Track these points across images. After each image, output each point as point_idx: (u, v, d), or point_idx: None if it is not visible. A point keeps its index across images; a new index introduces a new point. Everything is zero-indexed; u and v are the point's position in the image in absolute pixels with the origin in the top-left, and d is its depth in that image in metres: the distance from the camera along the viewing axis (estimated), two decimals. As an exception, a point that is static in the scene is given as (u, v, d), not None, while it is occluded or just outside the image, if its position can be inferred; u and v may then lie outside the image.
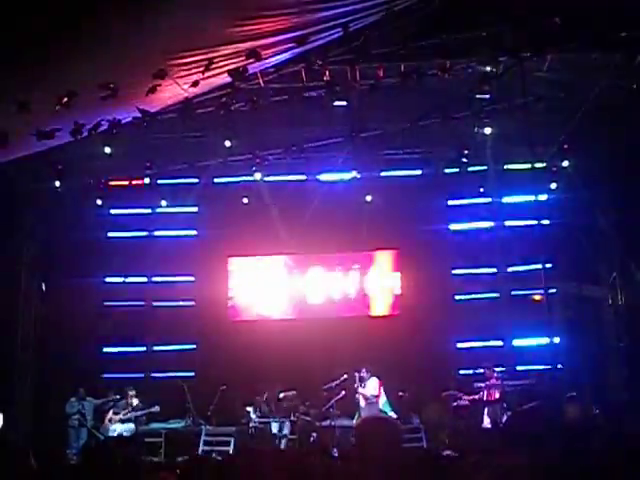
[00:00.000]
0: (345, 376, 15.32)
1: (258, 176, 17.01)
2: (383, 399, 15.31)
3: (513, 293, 18.12)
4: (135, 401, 16.15)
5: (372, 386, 15.27)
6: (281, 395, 16.01)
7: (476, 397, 15.41)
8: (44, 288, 18.00)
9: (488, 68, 12.55)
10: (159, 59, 9.41)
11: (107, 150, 14.53)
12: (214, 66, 10.15)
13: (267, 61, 10.96)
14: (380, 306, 18.68)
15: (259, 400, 16.16)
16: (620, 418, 13.39)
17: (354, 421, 15.09)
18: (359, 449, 4.86)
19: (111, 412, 15.93)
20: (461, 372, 17.57)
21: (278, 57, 11.02)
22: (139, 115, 11.53)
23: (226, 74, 10.57)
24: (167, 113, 12.82)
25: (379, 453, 4.54)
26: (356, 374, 15.32)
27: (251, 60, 10.26)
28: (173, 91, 10.63)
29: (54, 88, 9.18)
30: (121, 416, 15.84)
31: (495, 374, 15.60)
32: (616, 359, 16.34)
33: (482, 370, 15.93)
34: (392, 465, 4.46)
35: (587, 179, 16.29)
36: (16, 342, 17.37)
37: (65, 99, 9.37)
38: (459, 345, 18.14)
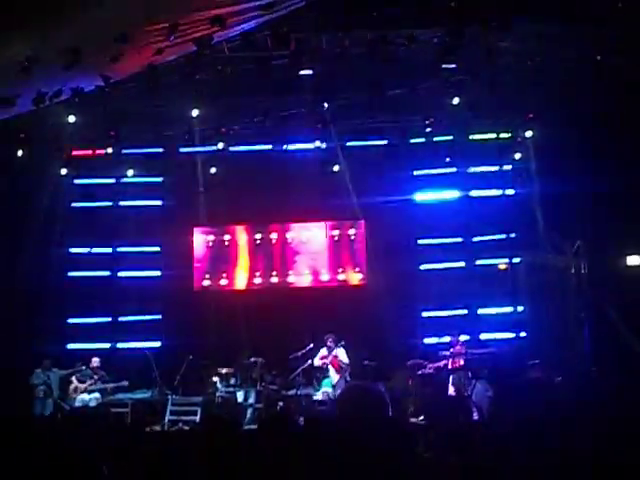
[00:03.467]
0: (311, 345, 15.40)
1: (221, 145, 16.96)
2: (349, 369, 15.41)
3: (478, 262, 18.21)
4: (100, 371, 16.08)
5: (343, 355, 15.35)
6: (251, 359, 15.99)
7: (440, 365, 15.53)
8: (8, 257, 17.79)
9: (454, 38, 12.50)
10: (123, 26, 9.28)
11: (71, 119, 14.35)
12: (179, 34, 10.06)
13: (232, 29, 10.88)
14: (346, 276, 18.71)
15: (225, 370, 16.15)
16: (582, 386, 13.61)
17: (323, 389, 15.17)
18: (342, 415, 4.87)
19: (76, 381, 15.84)
20: (426, 341, 17.68)
21: (243, 25, 10.95)
22: (102, 83, 11.42)
23: (191, 42, 10.49)
24: (132, 82, 12.71)
25: (366, 420, 4.55)
26: (329, 343, 15.38)
27: (216, 28, 10.19)
28: (137, 59, 10.52)
29: (15, 53, 9.03)
30: (86, 385, 15.77)
31: (460, 342, 15.73)
32: (579, 328, 16.53)
33: (448, 338, 16.04)
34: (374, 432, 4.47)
35: (551, 149, 16.38)
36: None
37: (26, 65, 9.23)
38: (424, 314, 18.22)
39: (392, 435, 4.86)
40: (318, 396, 15.13)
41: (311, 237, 18.88)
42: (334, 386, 15.12)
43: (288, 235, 18.90)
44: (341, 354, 15.37)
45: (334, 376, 15.28)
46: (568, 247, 16.95)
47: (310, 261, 18.77)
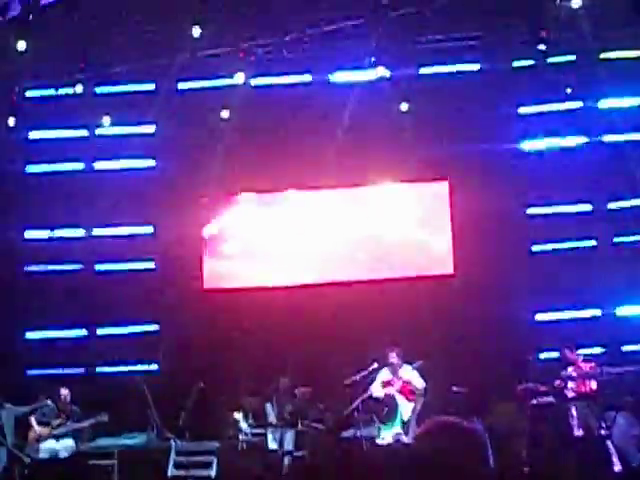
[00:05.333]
0: (375, 365, 15.37)
1: (241, 78, 16.91)
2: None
3: (616, 240, 18.06)
4: (71, 407, 16.23)
5: (416, 376, 15.29)
6: (296, 391, 16.06)
7: (559, 388, 15.42)
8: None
9: None
10: None
11: (21, 46, 14.41)
12: None
13: None
14: (423, 263, 18.69)
15: (250, 403, 16.25)
16: None
17: (391, 429, 15.15)
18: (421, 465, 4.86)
19: (35, 423, 15.98)
20: (542, 356, 17.58)
21: None
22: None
23: None
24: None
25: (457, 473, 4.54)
26: (391, 360, 15.33)
27: None
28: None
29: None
30: (52, 428, 15.92)
31: (580, 357, 15.61)
32: None
33: (561, 353, 15.97)
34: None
35: None
36: None
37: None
38: (538, 317, 18.19)
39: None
40: (384, 439, 15.10)
41: (371, 209, 18.86)
42: (405, 423, 15.08)
43: (335, 207, 18.89)
44: (413, 376, 15.31)
45: (405, 409, 15.22)
46: None
47: (369, 243, 18.75)
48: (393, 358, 15.22)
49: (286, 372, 16.36)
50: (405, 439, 14.65)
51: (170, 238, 18.81)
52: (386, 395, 15.18)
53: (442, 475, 4.60)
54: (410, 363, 15.24)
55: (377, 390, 15.16)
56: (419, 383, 15.12)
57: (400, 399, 15.16)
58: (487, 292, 17.33)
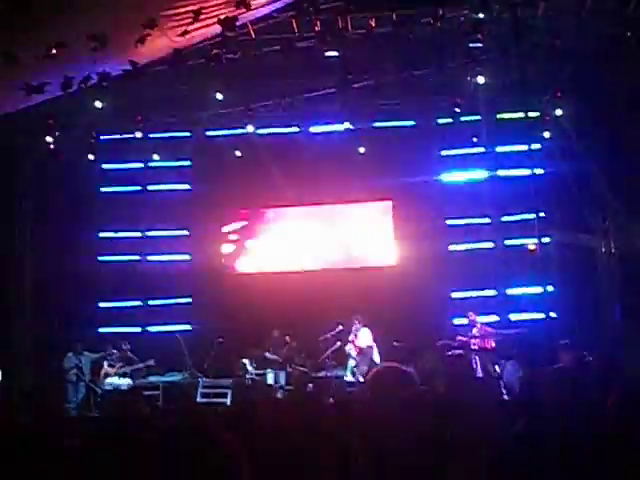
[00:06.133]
0: (340, 327, 15.41)
1: (250, 128, 16.92)
2: (375, 350, 15.39)
3: (507, 243, 18.10)
4: (130, 355, 16.20)
5: (365, 336, 15.32)
6: (286, 338, 16.05)
7: (468, 342, 15.43)
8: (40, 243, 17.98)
9: (481, 15, 12.36)
10: (149, 9, 9.28)
11: (98, 104, 14.37)
12: (204, 16, 10.04)
13: (257, 10, 10.83)
14: (375, 257, 18.70)
15: (254, 352, 16.23)
16: (614, 365, 13.47)
17: (347, 372, 15.17)
18: (372, 396, 4.81)
19: (106, 365, 15.97)
20: (456, 322, 17.59)
21: (268, 7, 10.90)
22: (129, 67, 11.41)
23: (216, 24, 10.46)
24: (158, 65, 12.71)
25: (395, 403, 4.50)
26: (354, 325, 15.36)
27: (241, 10, 10.15)
28: (163, 42, 10.52)
29: (41, 39, 9.05)
30: (117, 369, 15.90)
31: (479, 324, 15.63)
32: (610, 307, 16.40)
33: (465, 320, 16.02)
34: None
35: (580, 127, 16.21)
36: (13, 297, 17.42)
37: (53, 51, 9.25)
38: (453, 295, 18.17)
39: (425, 414, 4.81)
40: (348, 377, 15.14)
41: (339, 219, 18.86)
42: (354, 368, 15.12)
43: (315, 218, 18.89)
44: (364, 336, 15.33)
45: (354, 358, 15.26)
46: (598, 226, 16.79)
47: (339, 243, 18.76)
48: (356, 322, 15.33)
49: (279, 330, 16.39)
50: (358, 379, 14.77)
51: (200, 238, 18.85)
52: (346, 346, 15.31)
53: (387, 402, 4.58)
54: (366, 326, 15.34)
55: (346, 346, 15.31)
56: (366, 341, 15.21)
57: (352, 351, 15.24)
58: (418, 278, 17.28)
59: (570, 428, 4.58)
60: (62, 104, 12.94)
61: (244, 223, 19.14)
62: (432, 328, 16.74)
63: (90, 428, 5.51)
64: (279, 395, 15.35)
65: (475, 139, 17.53)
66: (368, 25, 12.73)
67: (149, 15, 9.35)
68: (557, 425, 4.67)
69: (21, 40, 8.74)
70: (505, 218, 18.11)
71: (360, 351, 15.27)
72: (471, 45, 13.84)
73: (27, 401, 11.91)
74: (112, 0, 8.68)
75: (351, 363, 15.26)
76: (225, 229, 19.07)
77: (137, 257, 19.13)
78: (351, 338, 15.40)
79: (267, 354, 16.12)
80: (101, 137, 17.25)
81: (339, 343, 15.33)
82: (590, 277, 16.82)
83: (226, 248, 19.05)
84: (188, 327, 18.23)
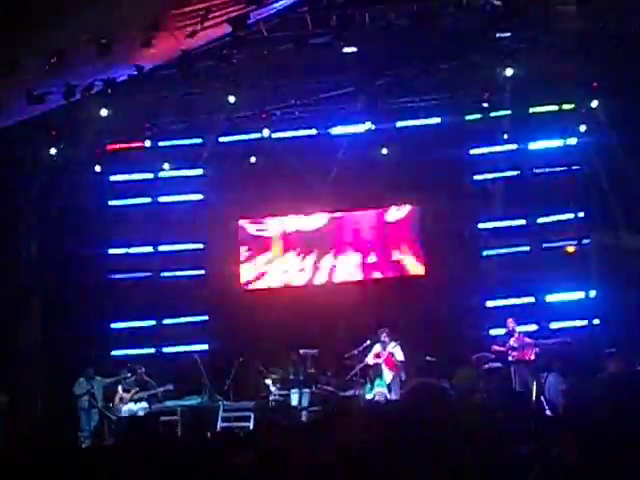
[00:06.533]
0: (368, 342, 15.32)
1: (266, 133, 16.91)
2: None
3: (544, 246, 17.91)
4: (146, 378, 16.18)
5: (398, 351, 15.22)
6: (301, 351, 15.96)
7: (505, 353, 15.31)
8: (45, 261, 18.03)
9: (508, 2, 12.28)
10: (154, 9, 9.30)
11: (103, 112, 14.40)
12: (213, 15, 10.05)
13: (269, 7, 10.84)
14: (402, 267, 18.60)
15: (277, 372, 16.18)
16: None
17: (376, 389, 15.05)
18: (405, 415, 4.81)
19: (121, 390, 15.96)
20: (492, 332, 17.45)
21: (281, 2, 10.90)
22: (135, 72, 11.46)
23: (226, 23, 10.47)
24: (165, 69, 12.75)
25: (430, 419, 4.49)
26: (382, 339, 15.26)
27: (252, 6, 10.15)
28: (170, 44, 10.54)
29: (41, 46, 9.09)
30: (132, 395, 15.89)
31: (518, 333, 15.50)
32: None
33: (503, 331, 15.91)
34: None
35: (619, 119, 16.06)
36: (22, 321, 17.48)
37: (54, 58, 9.28)
38: (488, 304, 18.01)
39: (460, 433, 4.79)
40: (370, 396, 15.04)
41: (363, 226, 18.79)
42: (388, 386, 15.02)
43: (338, 225, 18.84)
44: (396, 351, 15.24)
45: (388, 375, 15.16)
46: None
47: (363, 252, 18.68)
48: (384, 337, 15.23)
49: (301, 347, 16.31)
50: (389, 396, 14.65)
51: (216, 251, 18.80)
52: (375, 364, 15.19)
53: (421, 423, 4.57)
54: (394, 340, 15.22)
55: (370, 360, 15.17)
56: (399, 356, 15.11)
57: (384, 367, 15.13)
58: (450, 286, 17.22)
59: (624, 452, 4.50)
60: (66, 114, 12.99)
61: (261, 234, 19.05)
62: (466, 340, 16.67)
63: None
64: (304, 417, 15.30)
65: (506, 136, 17.42)
66: (387, 18, 12.71)
67: (154, 15, 9.36)
68: (608, 447, 4.57)
69: (21, 45, 8.76)
70: (541, 219, 17.95)
71: (394, 367, 15.14)
72: (498, 35, 13.77)
73: (37, 430, 11.94)
74: (114, 0, 8.69)
75: (385, 379, 15.14)
76: (241, 241, 18.99)
77: (149, 273, 19.08)
78: (379, 352, 15.28)
79: (290, 374, 16.05)
80: (108, 147, 17.25)
81: (367, 359, 15.23)
82: (636, 280, 16.62)
83: (243, 261, 18.97)
84: (205, 347, 18.20)
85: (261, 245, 19.04)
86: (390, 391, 14.87)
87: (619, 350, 14.67)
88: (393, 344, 15.30)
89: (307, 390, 15.63)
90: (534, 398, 13.90)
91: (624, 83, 15.30)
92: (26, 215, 17.95)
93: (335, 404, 15.20)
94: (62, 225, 17.73)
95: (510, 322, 15.69)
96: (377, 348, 15.30)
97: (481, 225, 18.43)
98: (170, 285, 18.85)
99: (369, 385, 15.40)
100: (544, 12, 12.55)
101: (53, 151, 15.88)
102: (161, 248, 19.16)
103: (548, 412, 12.73)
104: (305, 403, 15.59)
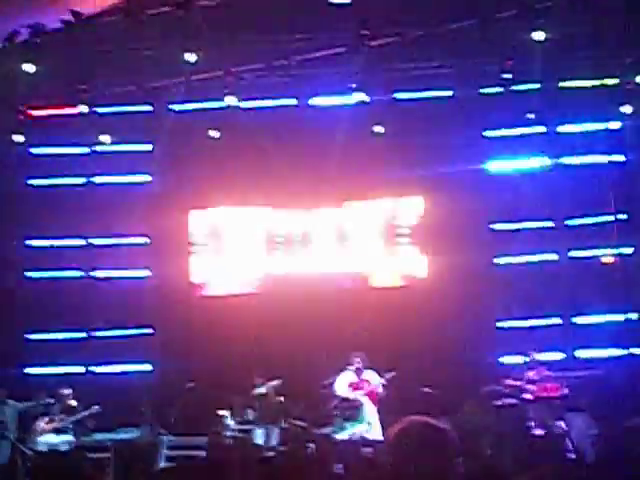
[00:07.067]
0: (354, 366, 15.31)
1: (232, 101, 16.82)
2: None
3: (574, 254, 18.00)
4: (72, 404, 16.07)
5: (378, 381, 15.19)
6: (261, 389, 15.95)
7: (523, 389, 15.38)
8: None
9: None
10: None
11: (28, 68, 14.30)
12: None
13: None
14: (393, 275, 18.65)
15: (237, 401, 16.17)
16: None
17: (354, 428, 15.01)
18: (395, 461, 4.72)
19: (44, 421, 15.84)
20: (504, 360, 17.53)
21: None
22: (70, 19, 11.35)
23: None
24: (108, 16, 12.64)
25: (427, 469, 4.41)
26: (356, 365, 15.21)
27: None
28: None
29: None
30: (55, 424, 15.77)
31: (538, 364, 15.57)
32: None
33: (521, 360, 15.96)
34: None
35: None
36: None
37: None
38: (500, 324, 18.08)
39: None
40: (344, 436, 14.99)
41: (349, 224, 18.80)
42: (370, 423, 14.97)
43: (317, 222, 18.83)
44: (373, 378, 15.20)
45: (370, 411, 15.11)
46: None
47: (347, 255, 18.70)
48: (358, 363, 15.18)
49: (266, 375, 16.28)
50: (370, 436, 14.62)
51: (165, 248, 18.76)
52: (354, 398, 15.14)
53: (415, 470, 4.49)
54: (376, 371, 15.19)
55: (343, 391, 15.12)
56: (379, 387, 15.11)
57: (366, 402, 15.10)
58: (453, 302, 17.22)
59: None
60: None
61: (220, 228, 19.02)
62: (473, 369, 16.68)
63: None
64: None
65: (531, 115, 17.44)
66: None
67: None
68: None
69: None
70: (572, 221, 18.00)
71: (376, 399, 15.15)
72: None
73: None
74: None
75: (366, 415, 15.11)
76: (195, 236, 18.96)
77: (79, 273, 19.01)
78: (354, 382, 15.24)
79: (253, 404, 16.04)
80: (31, 112, 17.12)
81: (345, 392, 15.19)
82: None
83: (196, 261, 18.93)
84: (148, 367, 18.21)
85: (220, 242, 19.01)
86: (372, 430, 14.84)
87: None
88: (370, 372, 15.27)
89: (275, 425, 15.62)
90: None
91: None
92: None
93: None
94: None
95: (533, 355, 15.72)
96: (350, 376, 15.25)
97: (495, 226, 18.45)
98: (105, 288, 18.77)
99: (345, 422, 15.35)
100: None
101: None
102: (94, 241, 19.09)
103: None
104: (273, 442, 15.56)
